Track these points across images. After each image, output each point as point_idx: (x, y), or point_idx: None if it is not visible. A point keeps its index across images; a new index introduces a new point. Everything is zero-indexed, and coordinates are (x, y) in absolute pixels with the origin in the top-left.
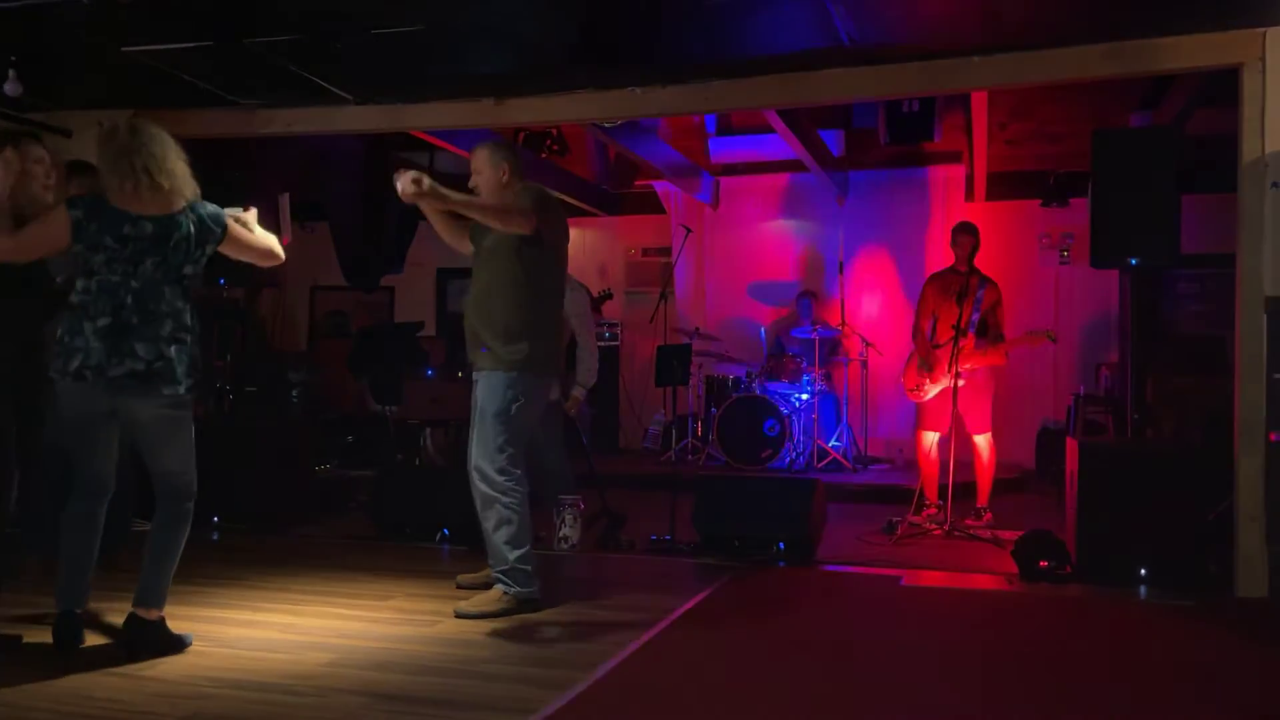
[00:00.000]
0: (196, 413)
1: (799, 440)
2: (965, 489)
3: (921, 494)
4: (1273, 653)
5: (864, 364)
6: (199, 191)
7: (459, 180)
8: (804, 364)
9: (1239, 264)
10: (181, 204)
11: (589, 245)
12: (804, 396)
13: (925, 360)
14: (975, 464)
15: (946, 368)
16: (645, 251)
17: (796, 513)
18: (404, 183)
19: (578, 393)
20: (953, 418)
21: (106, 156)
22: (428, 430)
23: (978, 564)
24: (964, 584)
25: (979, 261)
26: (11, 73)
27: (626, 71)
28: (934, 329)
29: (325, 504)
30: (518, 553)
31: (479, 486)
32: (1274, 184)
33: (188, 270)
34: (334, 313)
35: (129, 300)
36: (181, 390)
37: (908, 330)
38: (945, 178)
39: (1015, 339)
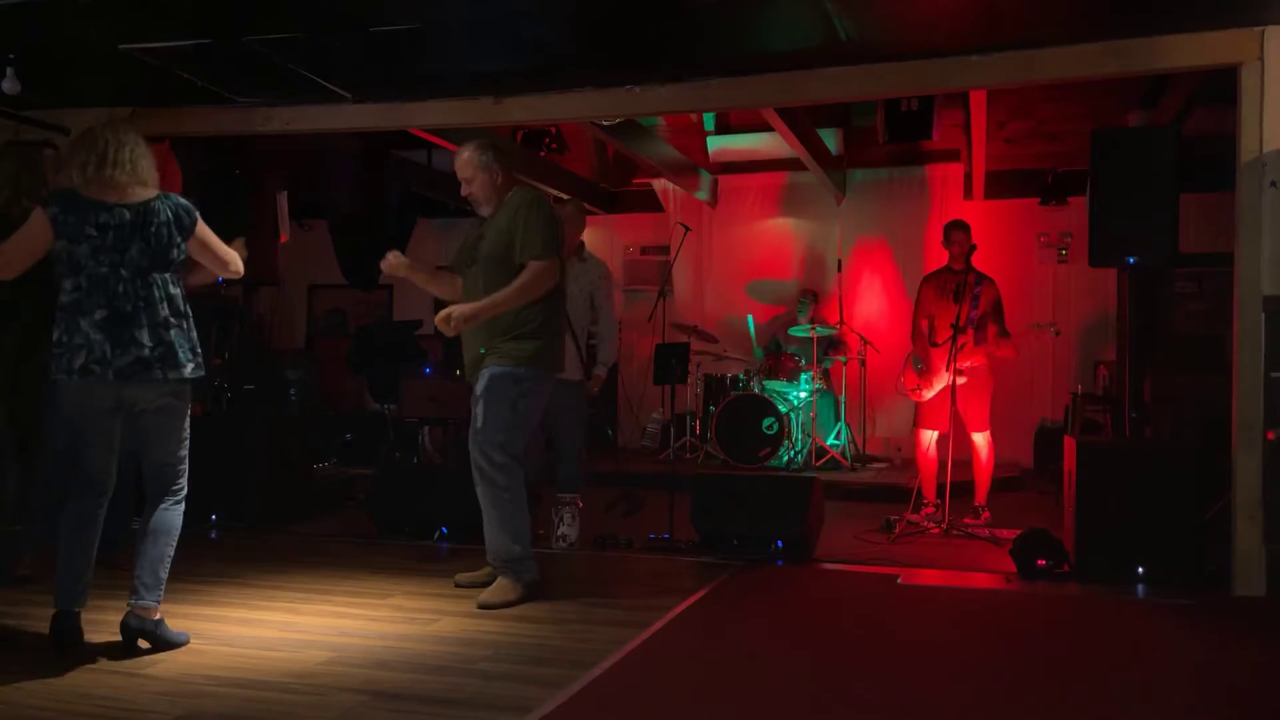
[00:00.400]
0: (195, 411)
1: (797, 439)
2: (963, 487)
3: (919, 492)
4: (1270, 651)
5: (862, 362)
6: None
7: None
8: (802, 362)
9: (1237, 263)
10: (154, 193)
11: (587, 243)
12: (802, 395)
13: (922, 363)
14: (973, 462)
15: (945, 366)
16: (644, 250)
17: (794, 511)
18: (445, 330)
19: (600, 371)
20: (951, 416)
21: (74, 150)
22: (426, 428)
23: (976, 562)
24: (962, 582)
25: (977, 259)
26: (9, 70)
27: (625, 70)
28: (931, 328)
29: (324, 502)
30: (520, 542)
31: (481, 481)
32: (1272, 183)
33: (174, 255)
34: (332, 311)
35: (121, 289)
36: (187, 373)
37: (906, 328)
38: (944, 176)
39: (1020, 332)
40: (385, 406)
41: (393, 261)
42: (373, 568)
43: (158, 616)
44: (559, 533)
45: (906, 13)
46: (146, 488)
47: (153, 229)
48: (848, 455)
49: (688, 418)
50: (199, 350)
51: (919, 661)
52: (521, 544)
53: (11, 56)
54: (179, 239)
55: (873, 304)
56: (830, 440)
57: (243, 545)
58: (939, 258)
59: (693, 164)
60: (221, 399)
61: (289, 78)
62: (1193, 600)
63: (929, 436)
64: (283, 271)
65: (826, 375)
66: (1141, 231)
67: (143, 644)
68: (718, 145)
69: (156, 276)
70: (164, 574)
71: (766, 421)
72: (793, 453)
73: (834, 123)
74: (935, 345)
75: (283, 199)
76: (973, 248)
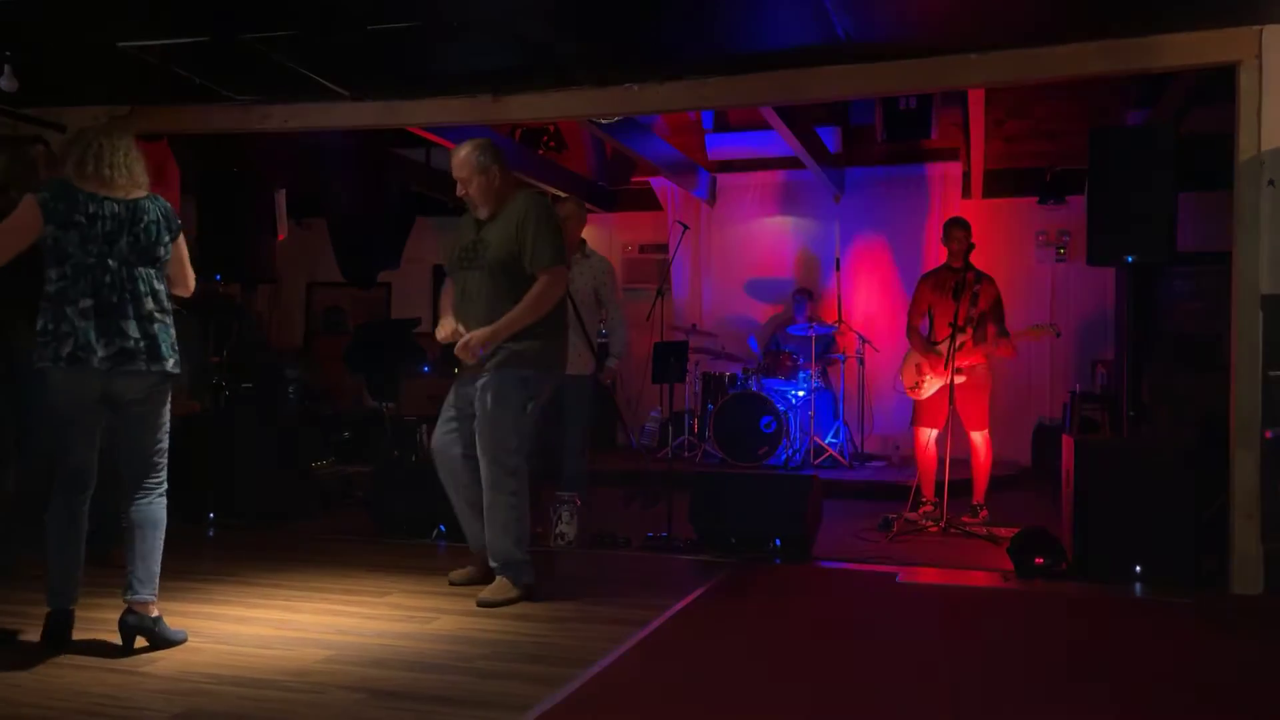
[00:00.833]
0: (193, 409)
1: (795, 437)
2: (961, 486)
3: (918, 491)
4: (1268, 650)
5: (861, 361)
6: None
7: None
8: (800, 361)
9: (1234, 261)
10: (144, 192)
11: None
12: (800, 393)
13: (926, 352)
14: (972, 461)
15: (945, 364)
16: (642, 248)
17: (792, 510)
18: (466, 357)
19: (612, 364)
20: (949, 414)
21: (68, 149)
22: (424, 426)
23: (974, 561)
24: (960, 581)
25: (976, 258)
26: (7, 68)
27: (624, 68)
28: (931, 327)
29: (322, 500)
30: (521, 545)
31: (489, 484)
32: (1270, 181)
33: (160, 254)
34: (331, 309)
35: (108, 280)
36: (169, 366)
37: (905, 327)
38: (942, 175)
39: (1020, 332)
40: (384, 404)
41: (462, 347)
42: (371, 566)
43: (155, 614)
44: (557, 531)
45: (905, 11)
46: (126, 481)
47: (142, 225)
48: (846, 454)
49: (686, 416)
50: (177, 347)
51: (917, 660)
52: (523, 548)
53: (9, 54)
54: (166, 239)
55: (871, 302)
56: (828, 439)
57: (240, 543)
58: (937, 256)
59: (691, 162)
60: (220, 397)
61: (287, 75)
62: (1190, 599)
63: (927, 435)
64: (280, 269)
65: (825, 374)
66: (1140, 230)
67: (141, 642)
68: (716, 144)
69: (143, 271)
70: (156, 567)
71: (765, 420)
72: (791, 451)
73: (832, 121)
74: (936, 344)
75: (281, 197)
76: (971, 246)
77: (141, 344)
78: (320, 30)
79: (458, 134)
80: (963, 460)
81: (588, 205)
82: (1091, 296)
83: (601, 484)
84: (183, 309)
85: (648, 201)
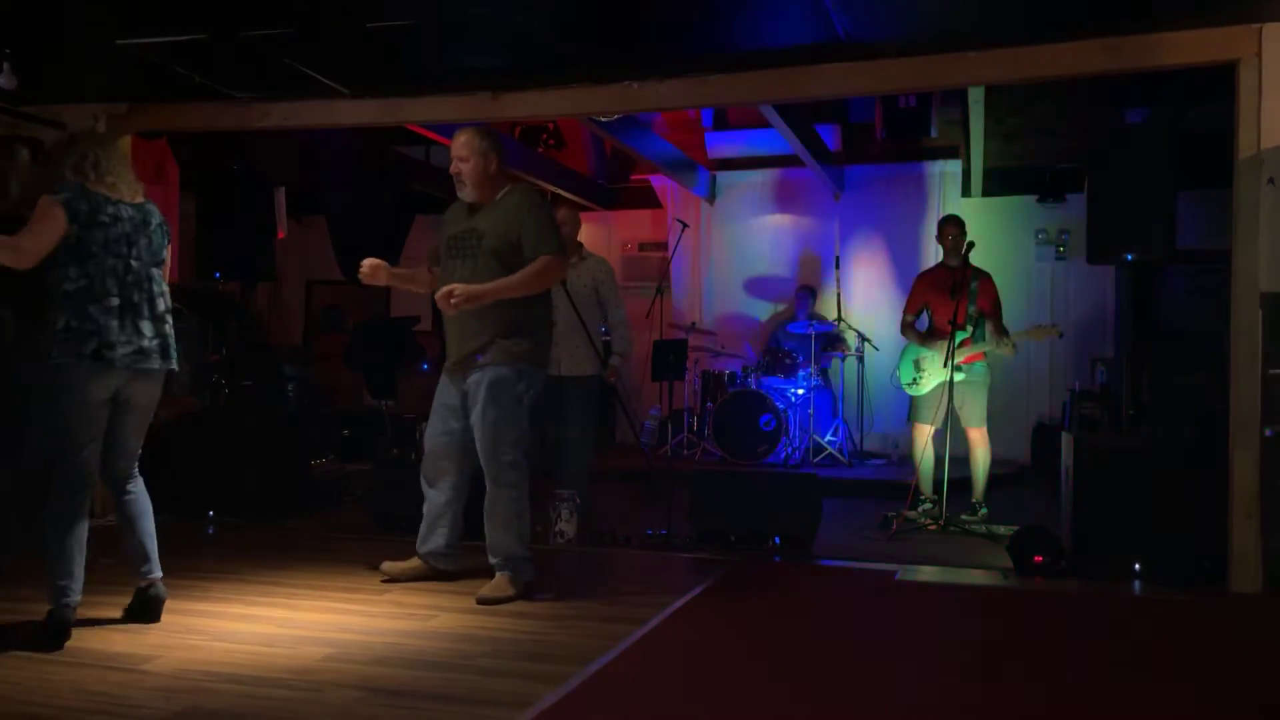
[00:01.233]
0: (192, 407)
1: (795, 435)
2: (961, 484)
3: (917, 489)
4: (1267, 648)
5: (860, 359)
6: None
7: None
8: (800, 359)
9: (1234, 260)
10: (144, 196)
11: (586, 240)
12: (800, 392)
13: (927, 341)
14: (971, 459)
15: (944, 362)
16: (642, 246)
17: (792, 508)
18: (445, 308)
19: (615, 361)
20: (948, 412)
21: (65, 155)
22: (423, 425)
23: (973, 559)
24: (959, 579)
25: (975, 256)
26: (5, 65)
27: (623, 66)
28: (930, 325)
29: (321, 498)
30: (522, 543)
31: (491, 479)
32: (1269, 180)
33: (164, 256)
34: (330, 307)
35: (130, 280)
36: (174, 365)
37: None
38: (942, 173)
39: (1021, 332)
40: (383, 402)
41: (368, 270)
42: (370, 564)
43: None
44: (556, 529)
45: (904, 9)
46: (111, 476)
47: (151, 228)
48: (845, 452)
49: (685, 414)
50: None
51: (916, 658)
52: (524, 544)
53: (7, 51)
54: (166, 241)
55: (871, 300)
56: (828, 437)
57: (240, 541)
58: (937, 254)
59: (691, 160)
60: (219, 395)
61: (287, 73)
62: (1189, 597)
63: (926, 432)
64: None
65: (824, 372)
66: (1139, 228)
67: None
68: (716, 142)
69: (154, 272)
70: (155, 545)
71: (764, 418)
72: (790, 449)
73: (832, 119)
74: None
75: (280, 195)
76: (971, 244)
77: (155, 343)
78: (320, 28)
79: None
80: (962, 458)
81: (587, 203)
82: (1091, 295)
83: (607, 480)
84: (182, 308)
85: (647, 199)
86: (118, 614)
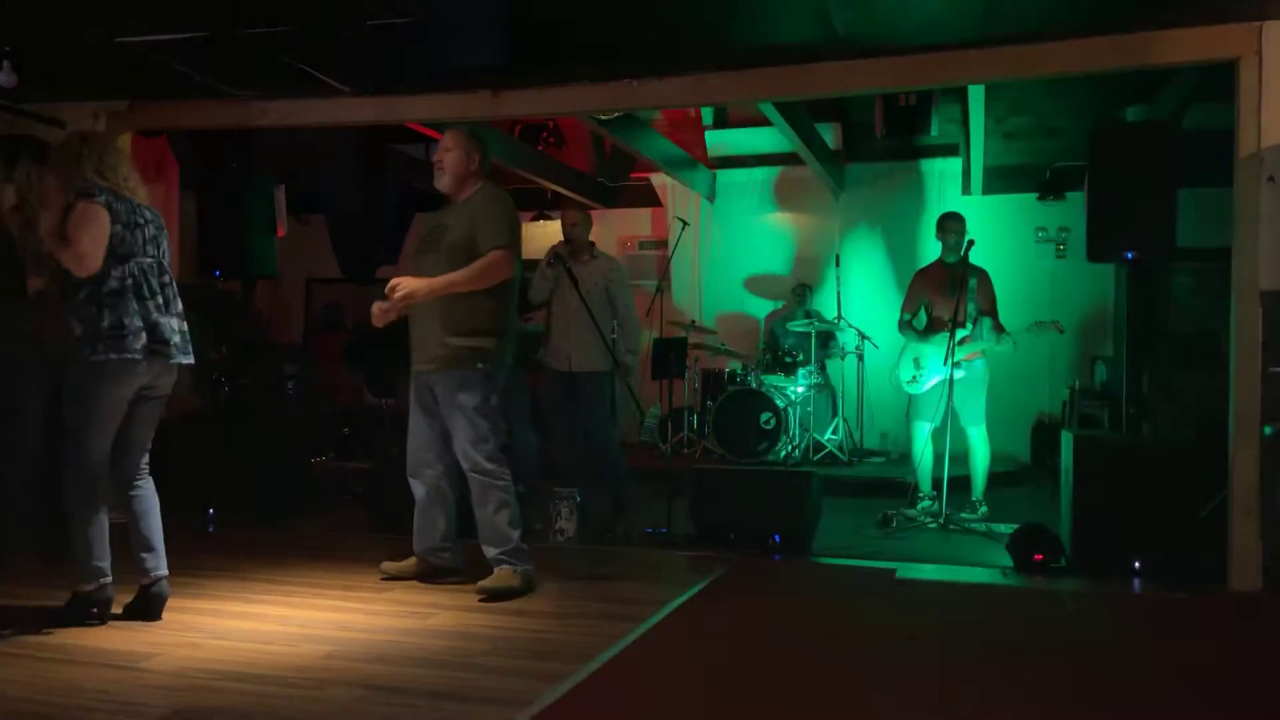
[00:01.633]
0: (191, 405)
1: (794, 433)
2: (960, 482)
3: (916, 487)
4: (1266, 646)
5: (860, 357)
6: None
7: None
8: (800, 357)
9: (1234, 258)
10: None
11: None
12: (800, 390)
13: (926, 337)
14: (970, 457)
15: (944, 360)
16: (641, 244)
17: (792, 506)
18: (377, 313)
19: (627, 359)
20: (948, 410)
21: (76, 159)
22: None
23: (972, 557)
24: (959, 577)
25: (976, 254)
26: (5, 63)
27: (623, 63)
28: (930, 323)
29: (321, 497)
30: (517, 532)
31: (475, 478)
32: (1270, 178)
33: (167, 260)
34: (330, 306)
35: (165, 279)
36: (193, 360)
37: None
38: (942, 171)
39: (1021, 329)
40: (383, 401)
41: (379, 313)
42: (370, 562)
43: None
44: (557, 527)
45: (904, 7)
46: (121, 472)
47: (164, 230)
48: (845, 450)
49: (685, 412)
50: None
51: (916, 656)
52: (518, 531)
53: (7, 49)
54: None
55: (870, 298)
56: (827, 435)
57: (240, 539)
58: (937, 251)
59: (691, 158)
60: (219, 393)
61: (286, 71)
62: (1189, 595)
63: (925, 431)
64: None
65: (824, 370)
66: (1140, 226)
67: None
68: (716, 140)
69: (171, 272)
70: (162, 545)
71: (764, 416)
72: (790, 447)
73: (832, 117)
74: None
75: (280, 193)
76: (970, 241)
77: (178, 338)
78: (319, 25)
79: None
80: (961, 456)
81: (588, 201)
82: (1091, 293)
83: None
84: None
85: (647, 197)
86: (118, 611)
